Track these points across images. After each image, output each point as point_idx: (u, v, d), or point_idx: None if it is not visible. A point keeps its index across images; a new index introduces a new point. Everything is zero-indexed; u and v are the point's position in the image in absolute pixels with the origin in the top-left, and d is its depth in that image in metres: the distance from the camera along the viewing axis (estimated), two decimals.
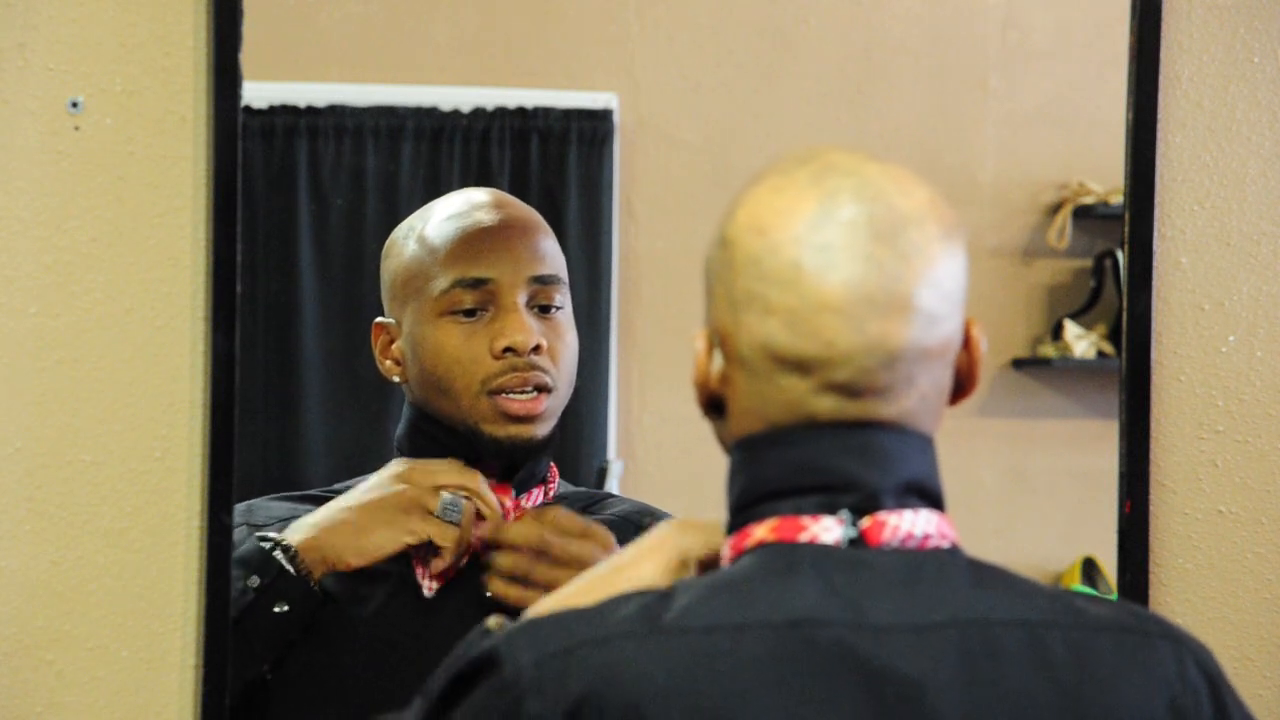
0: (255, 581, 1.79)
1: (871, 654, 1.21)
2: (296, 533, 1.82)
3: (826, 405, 1.25)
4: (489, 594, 1.82)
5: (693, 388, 1.30)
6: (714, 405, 1.30)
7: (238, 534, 1.87)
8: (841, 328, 1.23)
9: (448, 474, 1.84)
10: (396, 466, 1.86)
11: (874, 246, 1.24)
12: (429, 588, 1.85)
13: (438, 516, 1.82)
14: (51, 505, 1.79)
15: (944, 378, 1.28)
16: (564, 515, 1.83)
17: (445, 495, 1.82)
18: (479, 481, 1.84)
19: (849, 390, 1.25)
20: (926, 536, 1.26)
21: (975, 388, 1.31)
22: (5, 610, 1.78)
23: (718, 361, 1.28)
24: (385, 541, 1.81)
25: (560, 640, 1.21)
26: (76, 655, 1.79)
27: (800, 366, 1.25)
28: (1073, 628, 1.24)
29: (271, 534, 1.82)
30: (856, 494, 1.25)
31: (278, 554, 1.80)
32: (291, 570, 1.80)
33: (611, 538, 1.83)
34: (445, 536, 1.82)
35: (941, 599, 1.24)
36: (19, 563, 1.78)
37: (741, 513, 1.28)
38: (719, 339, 1.28)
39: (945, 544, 1.27)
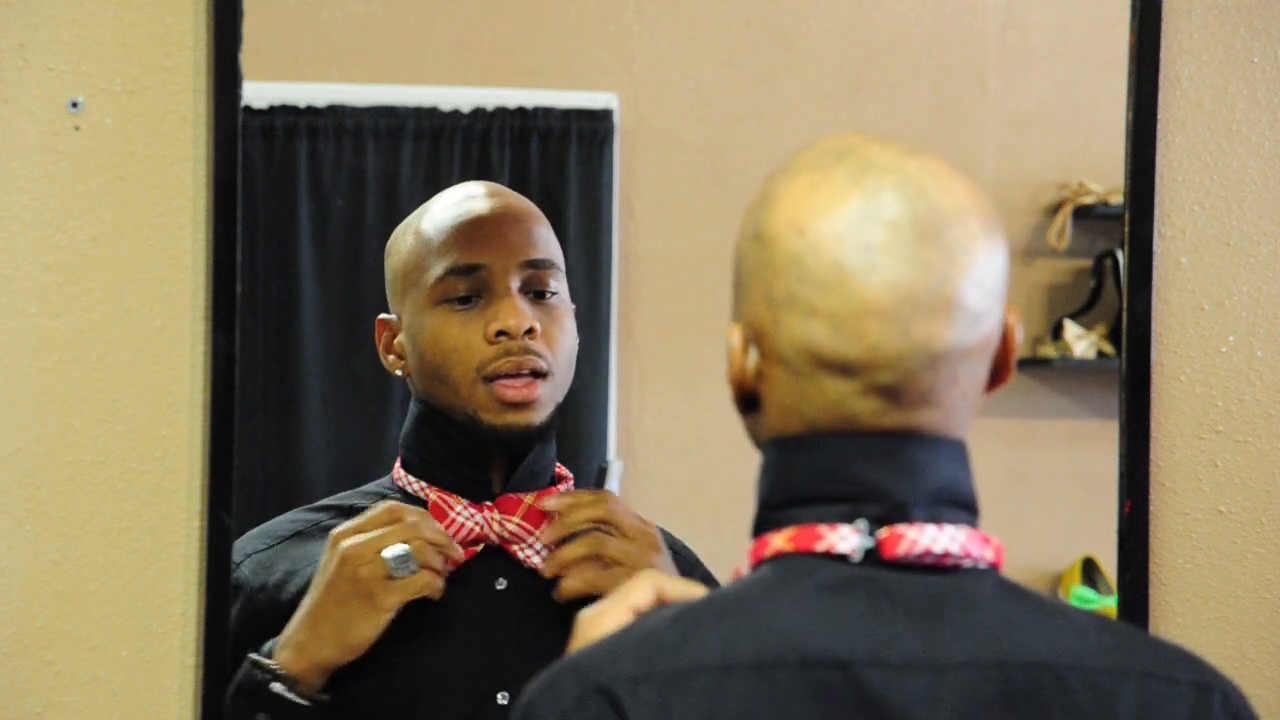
0: (263, 718, 1.78)
1: (887, 695, 1.19)
2: (285, 651, 1.79)
3: (868, 407, 1.23)
4: (563, 598, 1.80)
5: (728, 384, 1.28)
6: (748, 402, 1.28)
7: (247, 566, 1.87)
8: (886, 331, 1.21)
9: (384, 535, 1.78)
10: (333, 543, 1.79)
11: (918, 247, 1.22)
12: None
13: (395, 578, 1.77)
14: (51, 505, 1.79)
15: (983, 373, 1.26)
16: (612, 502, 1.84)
17: (386, 556, 1.76)
18: (414, 525, 1.79)
19: (892, 393, 1.23)
20: (946, 554, 1.23)
21: (1010, 377, 1.28)
22: (5, 610, 1.78)
23: (753, 357, 1.26)
24: (368, 630, 1.77)
25: (575, 689, 1.20)
26: (76, 655, 1.79)
27: (844, 369, 1.22)
28: (1097, 671, 1.22)
29: (262, 659, 1.78)
30: (883, 504, 1.23)
31: (278, 687, 1.77)
32: (296, 699, 1.77)
33: (659, 536, 1.84)
34: (417, 588, 1.78)
35: (963, 635, 1.21)
36: (19, 563, 1.78)
37: (764, 516, 1.27)
38: (755, 335, 1.26)
39: (968, 563, 1.24)
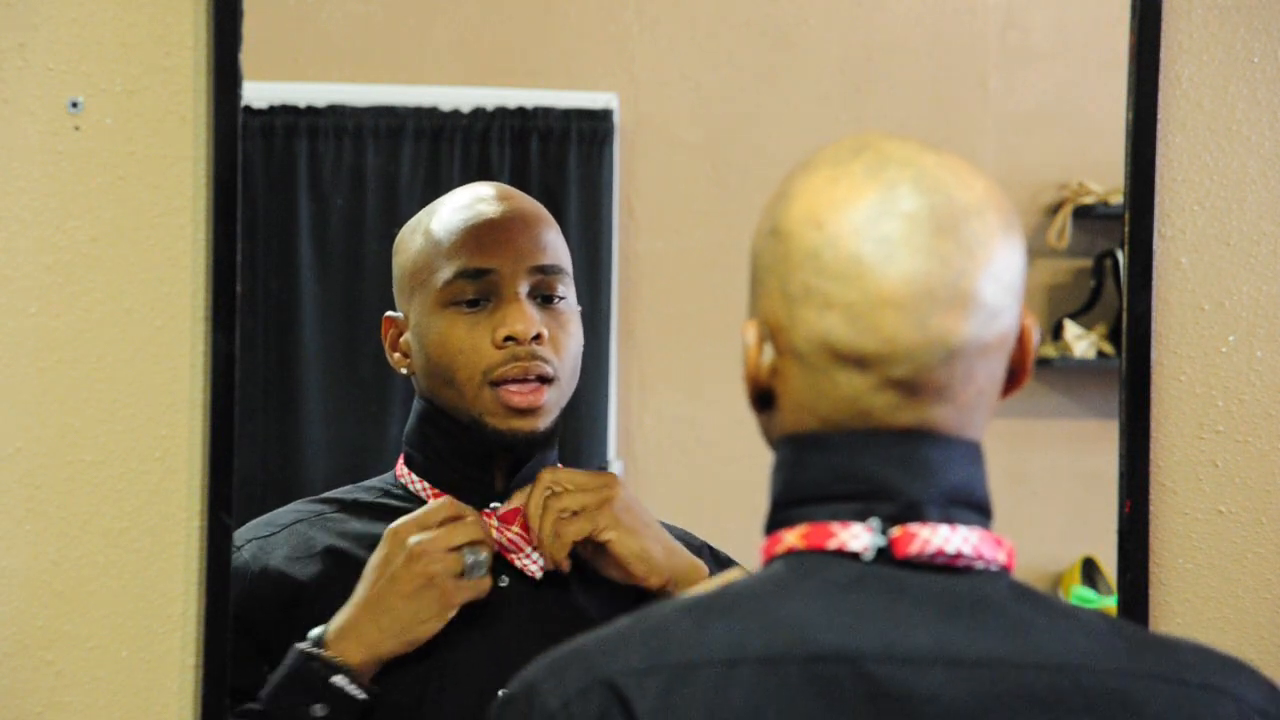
0: (321, 711, 1.77)
1: (898, 690, 1.19)
2: (343, 642, 1.79)
3: (883, 402, 1.23)
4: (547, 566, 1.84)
5: (743, 382, 1.27)
6: (763, 399, 1.27)
7: (248, 550, 1.88)
8: (903, 323, 1.21)
9: (454, 533, 1.81)
10: (394, 538, 1.81)
11: (935, 240, 1.21)
12: None
13: (465, 577, 1.80)
14: (51, 505, 1.79)
15: (999, 371, 1.26)
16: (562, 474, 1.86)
17: (468, 559, 1.80)
18: (477, 524, 1.83)
19: (908, 387, 1.22)
20: (959, 555, 1.22)
21: (1027, 379, 1.28)
22: (5, 610, 1.78)
23: (768, 354, 1.25)
24: (434, 625, 1.80)
25: (581, 679, 1.20)
26: (76, 655, 1.79)
27: (860, 362, 1.22)
28: (1111, 674, 1.21)
29: (320, 652, 1.79)
30: (895, 503, 1.23)
31: (339, 680, 1.78)
32: (357, 693, 1.78)
33: (614, 476, 1.86)
34: (481, 590, 1.81)
35: (978, 634, 1.21)
36: (19, 563, 1.78)
37: (777, 513, 1.26)
38: (770, 332, 1.25)
39: (981, 564, 1.23)
